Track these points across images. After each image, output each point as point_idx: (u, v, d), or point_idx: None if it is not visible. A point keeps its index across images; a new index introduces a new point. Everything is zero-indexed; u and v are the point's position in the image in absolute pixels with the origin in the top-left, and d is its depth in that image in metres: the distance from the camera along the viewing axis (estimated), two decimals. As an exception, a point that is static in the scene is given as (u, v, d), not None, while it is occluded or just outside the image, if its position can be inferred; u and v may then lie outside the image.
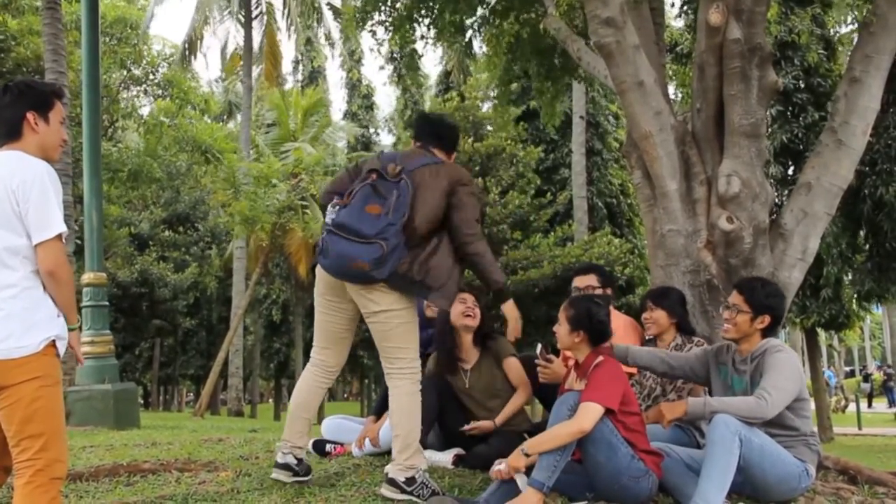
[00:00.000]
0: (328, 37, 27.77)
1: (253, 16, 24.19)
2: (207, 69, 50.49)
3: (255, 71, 25.23)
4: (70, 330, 2.66)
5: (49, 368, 2.52)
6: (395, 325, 3.44)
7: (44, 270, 2.52)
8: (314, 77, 37.55)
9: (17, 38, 16.49)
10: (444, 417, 4.31)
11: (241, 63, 24.21)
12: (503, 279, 3.66)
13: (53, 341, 2.54)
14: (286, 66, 39.03)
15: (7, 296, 2.50)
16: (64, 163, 10.97)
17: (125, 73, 20.93)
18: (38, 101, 2.70)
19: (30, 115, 2.66)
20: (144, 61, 21.28)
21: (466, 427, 4.21)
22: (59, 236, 2.53)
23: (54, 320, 2.58)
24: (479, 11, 7.31)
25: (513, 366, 4.35)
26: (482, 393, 4.33)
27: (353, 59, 35.08)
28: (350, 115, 37.71)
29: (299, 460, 3.65)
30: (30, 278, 2.54)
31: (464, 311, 4.34)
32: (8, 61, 16.12)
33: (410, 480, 3.37)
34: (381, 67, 9.56)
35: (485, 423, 4.20)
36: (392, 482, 3.39)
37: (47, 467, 2.47)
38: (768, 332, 3.56)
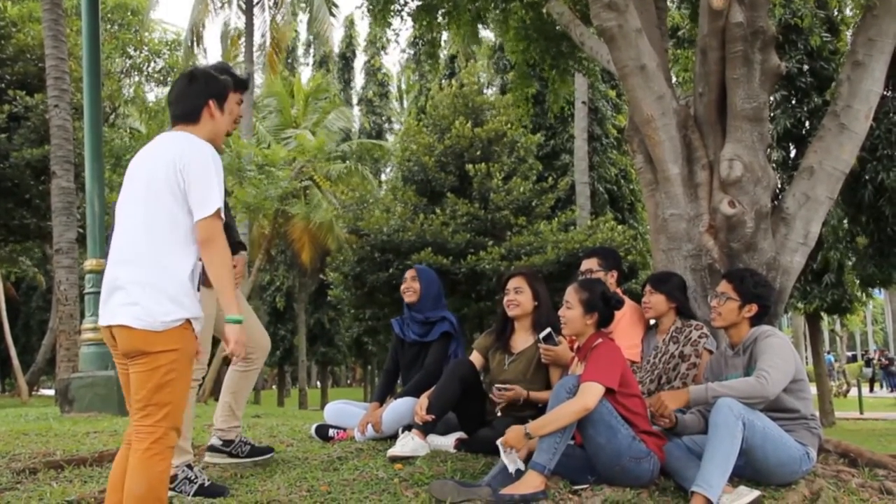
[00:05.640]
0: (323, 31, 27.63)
1: (254, 2, 24.09)
2: (206, 56, 50.11)
3: (256, 56, 25.14)
4: (229, 322, 2.70)
5: (187, 343, 2.62)
6: None
7: (199, 241, 2.65)
8: (323, 63, 37.36)
9: (18, 25, 16.44)
10: (461, 402, 4.13)
11: (242, 48, 24.12)
12: None
13: (190, 320, 2.63)
14: (298, 51, 38.98)
15: (161, 267, 2.60)
16: (66, 149, 10.93)
17: (127, 60, 20.91)
18: (219, 91, 2.91)
19: (212, 103, 2.86)
20: (146, 48, 21.24)
21: (498, 388, 4.04)
22: (217, 213, 2.64)
23: (196, 302, 2.66)
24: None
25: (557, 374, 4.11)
26: (514, 378, 4.16)
27: (375, 47, 34.72)
28: (365, 102, 37.49)
29: (227, 441, 3.81)
30: (187, 254, 2.65)
31: (505, 301, 4.25)
32: (8, 48, 16.07)
33: (173, 478, 3.33)
34: (403, 51, 9.52)
35: (518, 389, 4.02)
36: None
37: (165, 436, 2.57)
38: (755, 321, 3.63)
